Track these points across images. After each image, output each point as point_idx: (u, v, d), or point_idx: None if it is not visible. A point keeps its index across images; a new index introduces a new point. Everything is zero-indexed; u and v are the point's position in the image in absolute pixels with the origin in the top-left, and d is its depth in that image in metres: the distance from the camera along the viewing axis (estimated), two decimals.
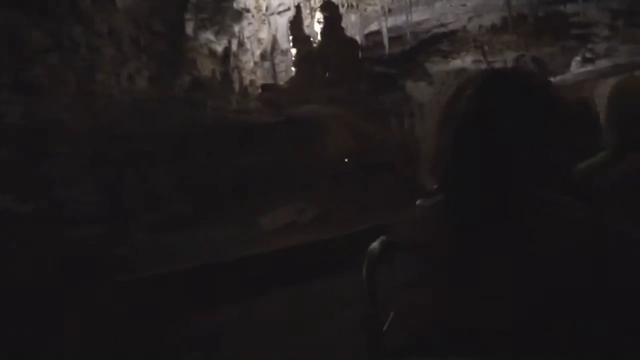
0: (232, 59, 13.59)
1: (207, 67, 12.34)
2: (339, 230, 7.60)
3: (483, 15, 18.12)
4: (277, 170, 8.64)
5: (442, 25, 18.68)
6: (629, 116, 1.60)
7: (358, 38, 16.61)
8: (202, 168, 8.19)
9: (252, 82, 14.36)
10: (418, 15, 15.70)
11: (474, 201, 0.83)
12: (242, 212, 7.93)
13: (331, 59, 13.51)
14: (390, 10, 15.86)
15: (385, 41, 16.93)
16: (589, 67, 19.80)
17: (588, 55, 18.55)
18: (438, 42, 19.17)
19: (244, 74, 14.10)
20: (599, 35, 17.72)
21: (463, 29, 18.81)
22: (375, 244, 1.18)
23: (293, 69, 15.32)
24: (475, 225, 0.82)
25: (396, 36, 19.05)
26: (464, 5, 14.52)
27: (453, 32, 18.92)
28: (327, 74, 13.35)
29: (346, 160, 9.45)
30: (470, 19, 18.32)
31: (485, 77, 0.91)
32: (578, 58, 18.66)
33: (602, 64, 19.54)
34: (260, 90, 14.22)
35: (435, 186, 0.98)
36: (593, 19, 17.07)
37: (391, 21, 16.64)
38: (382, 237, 1.19)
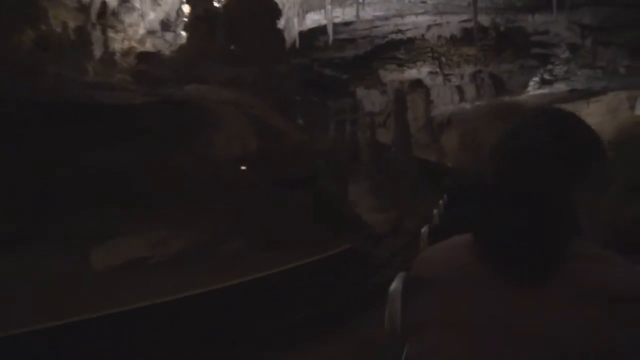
0: (92, 13, 9.98)
1: (61, 22, 8.94)
2: (220, 277, 4.30)
3: (443, 25, 17.00)
4: (134, 175, 5.88)
5: (400, 31, 17.45)
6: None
7: (296, 24, 13.43)
8: (25, 165, 5.49)
9: (130, 49, 10.74)
10: (372, 9, 14.10)
11: (518, 252, 0.74)
12: (74, 234, 5.20)
13: (240, 25, 9.17)
14: None
15: (330, 30, 14.25)
16: (547, 90, 19.11)
17: (547, 76, 17.78)
18: (394, 48, 17.94)
19: (118, 38, 10.55)
20: (559, 57, 16.96)
21: (421, 38, 17.65)
22: (396, 284, 1.07)
23: (183, 33, 10.67)
24: (519, 281, 0.74)
25: (349, 38, 17.71)
26: (423, 2, 13.19)
27: (411, 40, 17.72)
28: (232, 45, 9.25)
29: (243, 168, 6.55)
30: (429, 28, 17.17)
31: (545, 116, 0.84)
32: (536, 79, 17.87)
33: (560, 87, 18.88)
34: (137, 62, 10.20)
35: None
36: (556, 38, 16.25)
37: (339, 13, 14.37)
38: (402, 274, 1.06)
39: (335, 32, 16.63)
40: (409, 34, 17.55)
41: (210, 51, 8.53)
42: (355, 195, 10.07)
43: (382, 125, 19.01)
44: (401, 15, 15.52)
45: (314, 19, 13.23)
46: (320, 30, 13.91)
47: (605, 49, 11.71)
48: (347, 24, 16.17)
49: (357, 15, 12.56)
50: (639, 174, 1.53)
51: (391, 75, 18.16)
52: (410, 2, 12.87)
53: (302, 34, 14.21)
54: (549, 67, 17.28)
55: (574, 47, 16.48)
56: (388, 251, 7.30)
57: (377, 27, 16.82)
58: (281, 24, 10.35)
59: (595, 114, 28.00)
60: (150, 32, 11.33)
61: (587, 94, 21.28)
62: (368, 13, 14.05)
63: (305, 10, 11.58)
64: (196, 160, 6.16)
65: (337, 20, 14.53)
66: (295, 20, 11.57)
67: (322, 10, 12.16)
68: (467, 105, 20.06)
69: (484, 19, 16.33)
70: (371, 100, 18.61)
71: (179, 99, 6.74)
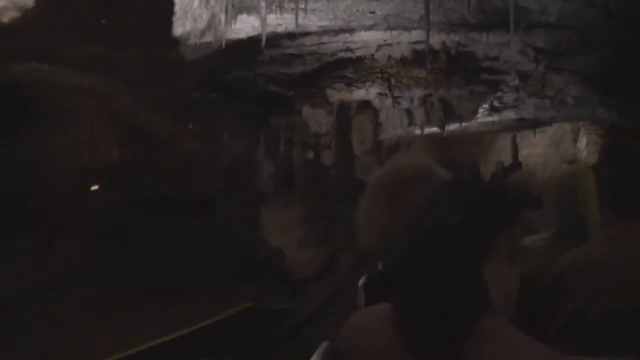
0: None
1: None
2: None
3: (393, 46, 16.39)
4: None
5: (349, 50, 16.70)
6: (574, 205, 1.76)
7: (223, 21, 11.26)
8: None
9: None
10: (317, 18, 13.10)
11: (427, 326, 0.77)
12: None
13: None
14: None
15: (264, 32, 12.25)
16: (496, 118, 18.82)
17: (496, 104, 17.45)
18: (343, 67, 17.16)
19: None
20: (509, 84, 16.66)
21: (371, 58, 16.96)
22: (316, 357, 0.99)
23: None
24: (428, 355, 0.78)
25: (297, 54, 16.81)
26: (373, 13, 12.43)
27: (360, 59, 17.00)
28: (103, 18, 6.56)
29: (95, 187, 4.77)
30: (379, 48, 16.51)
31: (462, 178, 0.87)
32: (486, 106, 17.52)
33: (509, 116, 18.63)
34: None
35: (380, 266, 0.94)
36: (507, 65, 15.93)
37: (281, 21, 12.64)
38: (326, 344, 1.02)
39: (281, 46, 15.68)
40: (359, 53, 16.82)
41: (70, 21, 5.98)
42: (283, 225, 8.85)
43: (328, 147, 18.11)
44: (350, 29, 14.73)
45: (253, 25, 12.06)
46: (265, 41, 12.72)
47: (557, 75, 11.29)
48: (291, 36, 15.27)
49: (297, 24, 11.46)
50: (568, 225, 1.68)
51: (339, 95, 17.34)
52: (358, 11, 12.05)
53: (242, 44, 13.11)
54: (499, 94, 16.96)
55: (523, 75, 16.20)
56: (312, 305, 5.90)
57: (325, 43, 15.99)
58: (204, 19, 9.13)
59: (540, 144, 28.37)
60: None
61: (534, 124, 21.25)
62: (313, 23, 13.11)
63: (237, 8, 10.27)
64: (20, 172, 4.29)
65: (280, 30, 13.53)
66: (223, 17, 10.22)
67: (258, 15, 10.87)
68: (417, 131, 19.51)
69: (435, 41, 15.85)
70: (317, 120, 17.69)
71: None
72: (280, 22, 12.84)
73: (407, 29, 14.37)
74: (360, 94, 17.30)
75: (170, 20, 7.71)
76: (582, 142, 28.22)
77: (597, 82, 11.06)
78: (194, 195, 5.09)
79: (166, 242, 4.59)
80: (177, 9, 8.07)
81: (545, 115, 18.15)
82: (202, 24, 10.68)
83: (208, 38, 12.20)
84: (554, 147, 29.34)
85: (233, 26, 11.21)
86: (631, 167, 1.35)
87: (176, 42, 8.14)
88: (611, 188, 1.40)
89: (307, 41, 15.77)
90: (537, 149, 28.60)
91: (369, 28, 14.81)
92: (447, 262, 0.74)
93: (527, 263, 1.53)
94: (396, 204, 0.85)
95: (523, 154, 28.45)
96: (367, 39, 15.97)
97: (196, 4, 10.29)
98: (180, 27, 9.76)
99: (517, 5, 9.35)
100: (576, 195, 1.75)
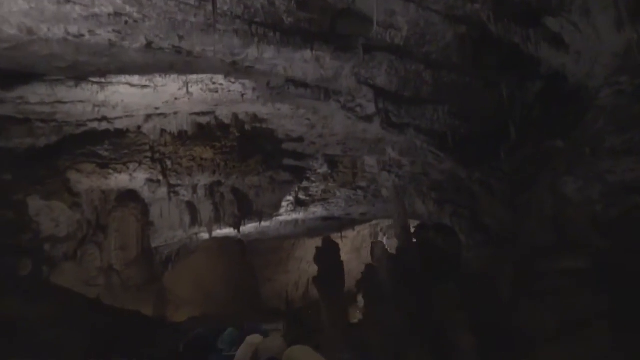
0: None
1: None
2: None
3: (169, 116, 12.07)
4: None
5: (105, 119, 11.82)
6: None
7: None
8: None
9: None
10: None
11: None
12: None
13: None
14: None
15: None
16: (301, 214, 15.41)
17: (302, 196, 14.08)
18: (94, 142, 12.08)
19: None
20: (316, 171, 13.53)
21: (137, 131, 12.29)
22: None
23: None
24: None
25: (21, 118, 11.26)
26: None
27: (121, 133, 12.19)
28: None
29: None
30: (148, 118, 12.01)
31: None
32: (290, 198, 14.00)
33: (317, 212, 15.41)
34: None
35: None
36: (312, 147, 12.81)
37: None
38: None
39: None
40: (119, 124, 12.03)
41: None
42: None
43: (72, 258, 12.22)
44: (102, 81, 10.04)
45: None
46: None
47: (400, 135, 8.28)
48: (9, 87, 10.06)
49: None
50: None
51: (88, 181, 11.97)
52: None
53: None
54: (305, 184, 13.66)
55: (332, 161, 13.28)
56: None
57: (64, 102, 10.88)
58: None
59: (343, 251, 26.14)
60: None
61: (344, 224, 18.48)
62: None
63: None
64: None
65: None
66: None
67: None
68: (205, 235, 14.90)
69: (224, 113, 12.08)
70: (53, 217, 11.84)
71: None
72: None
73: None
74: (120, 179, 12.21)
75: None
76: None
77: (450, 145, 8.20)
78: None
79: None
80: None
81: (355, 211, 15.39)
82: None
83: None
84: (355, 254, 27.53)
85: None
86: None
87: None
88: None
89: (32, 98, 10.48)
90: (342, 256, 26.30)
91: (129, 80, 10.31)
92: None
93: None
94: None
95: None
96: (129, 105, 11.38)
97: None
98: None
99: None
100: None
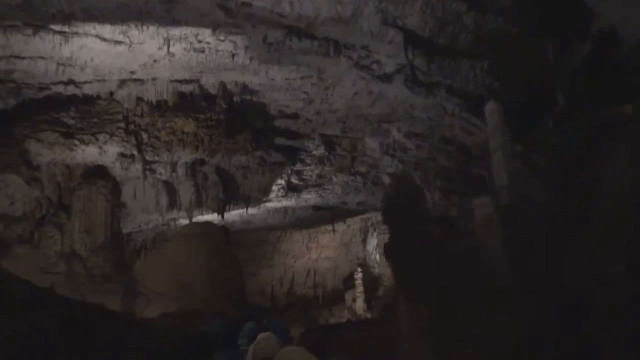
0: None
1: None
2: None
3: (146, 82, 10.53)
4: None
5: (72, 82, 10.23)
6: None
7: None
8: None
9: None
10: None
11: None
12: None
13: None
14: None
15: None
16: (292, 201, 13.98)
17: (294, 180, 12.64)
18: (59, 108, 10.49)
19: None
20: (311, 152, 12.09)
21: (109, 97, 10.73)
22: None
23: None
24: None
25: None
26: None
27: (90, 99, 10.61)
28: None
29: None
30: (122, 84, 10.44)
31: None
32: (281, 182, 12.55)
33: (309, 199, 13.99)
34: None
35: None
36: (308, 125, 11.38)
37: None
38: None
39: None
40: (88, 89, 10.44)
41: None
42: None
43: (27, 241, 10.62)
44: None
45: None
46: None
47: (426, 97, 6.86)
48: None
49: None
50: None
51: (50, 153, 10.37)
52: None
53: None
54: (298, 166, 12.21)
55: (329, 142, 11.86)
56: None
57: (22, 58, 9.28)
58: None
59: (329, 246, 24.68)
60: None
61: (336, 214, 17.08)
62: None
63: None
64: None
65: None
66: None
67: None
68: (184, 220, 13.40)
69: (210, 82, 10.57)
70: (7, 193, 10.23)
71: None
72: None
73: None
74: (88, 152, 10.63)
75: None
76: (372, 243, 25.61)
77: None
78: None
79: None
80: None
81: (352, 200, 14.00)
82: None
83: None
84: (344, 249, 26.17)
85: None
86: None
87: None
88: None
89: None
90: (326, 252, 24.89)
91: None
92: None
93: None
94: None
95: (312, 256, 24.41)
96: (101, 67, 9.82)
97: None
98: None
99: None
100: None
